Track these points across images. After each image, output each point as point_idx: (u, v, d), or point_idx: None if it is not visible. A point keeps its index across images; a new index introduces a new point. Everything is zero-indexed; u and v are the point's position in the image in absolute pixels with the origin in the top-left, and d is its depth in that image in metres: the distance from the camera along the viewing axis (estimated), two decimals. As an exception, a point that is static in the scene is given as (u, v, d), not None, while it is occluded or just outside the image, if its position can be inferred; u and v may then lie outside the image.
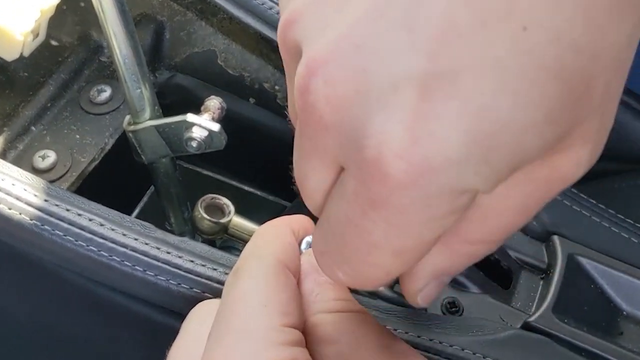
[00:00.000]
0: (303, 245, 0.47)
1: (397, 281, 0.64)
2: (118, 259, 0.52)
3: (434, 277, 0.39)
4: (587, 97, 0.32)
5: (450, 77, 0.30)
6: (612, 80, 0.33)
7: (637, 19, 0.32)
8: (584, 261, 0.56)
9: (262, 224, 0.49)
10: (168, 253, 0.52)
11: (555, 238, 0.56)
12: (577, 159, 0.34)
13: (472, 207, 0.35)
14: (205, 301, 0.48)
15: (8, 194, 0.53)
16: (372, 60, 0.31)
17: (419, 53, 0.30)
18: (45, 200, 0.53)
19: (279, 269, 0.43)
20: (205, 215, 0.62)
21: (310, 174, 0.36)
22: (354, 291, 0.47)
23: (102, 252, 0.52)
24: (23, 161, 0.64)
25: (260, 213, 0.72)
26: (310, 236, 0.47)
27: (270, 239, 0.46)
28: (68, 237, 0.52)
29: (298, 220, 0.48)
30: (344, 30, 0.32)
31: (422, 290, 0.40)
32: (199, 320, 0.46)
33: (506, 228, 0.37)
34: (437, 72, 0.30)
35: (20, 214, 0.52)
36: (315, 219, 0.44)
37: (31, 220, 0.52)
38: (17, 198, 0.53)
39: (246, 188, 0.79)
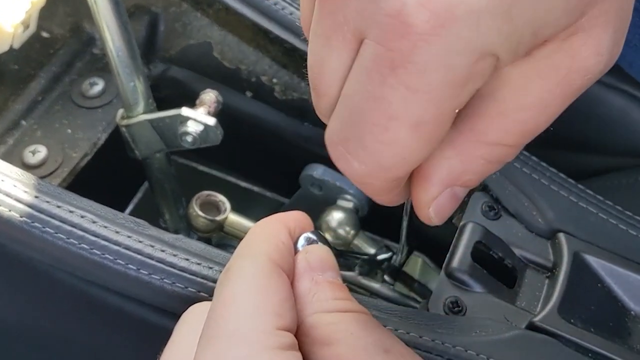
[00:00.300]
0: (300, 243, 0.47)
1: (397, 279, 0.64)
2: (111, 258, 0.51)
3: (448, 182, 0.39)
4: None
5: None
6: None
7: None
8: (590, 259, 0.55)
9: (259, 221, 0.48)
10: (162, 251, 0.52)
11: (561, 235, 0.56)
12: (597, 46, 0.34)
13: (491, 101, 0.36)
14: (199, 303, 0.47)
15: (-3, 190, 0.53)
16: None
17: None
18: (36, 197, 0.53)
19: (271, 269, 0.43)
20: (200, 213, 0.62)
21: (329, 58, 0.36)
22: (353, 291, 0.47)
23: (94, 251, 0.51)
24: (13, 156, 0.64)
25: (258, 210, 0.72)
26: (307, 234, 0.47)
27: (263, 237, 0.45)
28: (59, 234, 0.52)
29: (294, 217, 0.48)
30: None
31: (435, 200, 0.39)
32: (192, 323, 0.45)
33: (524, 128, 0.36)
34: None
35: (9, 210, 0.52)
36: (312, 216, 0.43)
37: (21, 217, 0.52)
38: (7, 194, 0.52)
39: (243, 184, 0.79)
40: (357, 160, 0.37)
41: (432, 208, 0.40)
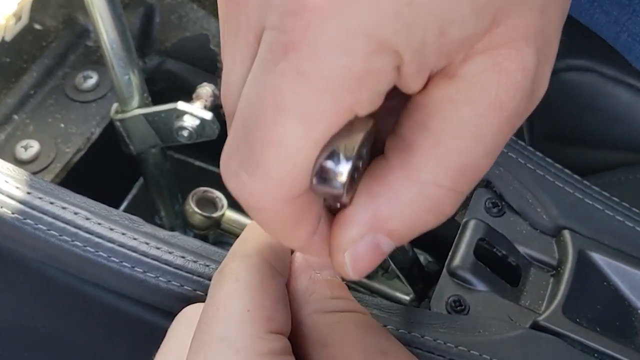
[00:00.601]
0: None
1: (398, 277, 0.64)
2: (105, 255, 0.51)
3: (371, 226, 0.35)
4: None
5: None
6: None
7: None
8: (596, 257, 0.55)
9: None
10: (158, 249, 0.51)
11: (566, 233, 0.55)
12: (523, 60, 0.33)
13: (423, 131, 0.33)
14: (193, 305, 0.47)
15: (-12, 186, 0.52)
16: None
17: None
18: (28, 193, 0.52)
19: (265, 269, 0.42)
20: (196, 209, 0.61)
21: (233, 68, 0.35)
22: (352, 289, 0.47)
23: (87, 248, 0.51)
24: (4, 151, 0.63)
25: None
26: None
27: (257, 236, 0.45)
28: (52, 231, 0.51)
29: None
30: None
31: (354, 245, 0.35)
32: (186, 325, 0.44)
33: (461, 162, 0.34)
34: None
35: (1, 207, 0.52)
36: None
37: (13, 213, 0.51)
38: (-2, 191, 0.52)
39: None
40: (245, 172, 0.33)
41: (348, 254, 0.35)
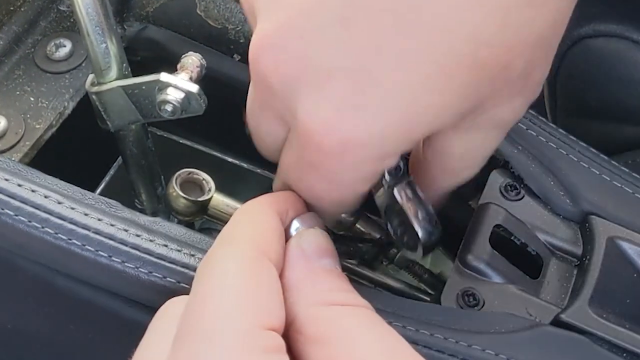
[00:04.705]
0: (293, 227, 0.47)
1: (405, 268, 0.64)
2: (79, 243, 0.51)
3: None
4: (504, 75, 0.43)
5: (376, 69, 0.41)
6: (534, 56, 0.44)
7: (556, 5, 0.42)
8: (625, 246, 0.55)
9: (244, 203, 0.48)
10: (137, 236, 0.51)
11: (593, 219, 0.56)
12: (511, 108, 0.47)
13: (436, 155, 0.50)
14: (176, 298, 0.47)
15: (-52, 166, 0.53)
16: (312, 47, 0.42)
17: (352, 48, 0.41)
18: (-7, 174, 0.53)
19: (256, 258, 0.42)
20: (181, 193, 0.61)
21: (263, 123, 0.48)
22: (354, 281, 0.47)
23: (60, 235, 0.51)
24: (-33, 128, 0.63)
25: (246, 189, 0.72)
26: (302, 217, 0.47)
27: (247, 222, 0.45)
28: (20, 217, 0.52)
29: (285, 198, 0.48)
30: (293, 17, 0.42)
31: None
32: (168, 320, 0.44)
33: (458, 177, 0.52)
34: (364, 64, 0.41)
35: (-38, 190, 0.52)
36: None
37: (-24, 197, 0.52)
38: (-41, 171, 0.52)
39: (229, 159, 0.79)
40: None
41: None
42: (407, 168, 0.53)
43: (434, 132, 0.45)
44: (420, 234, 0.52)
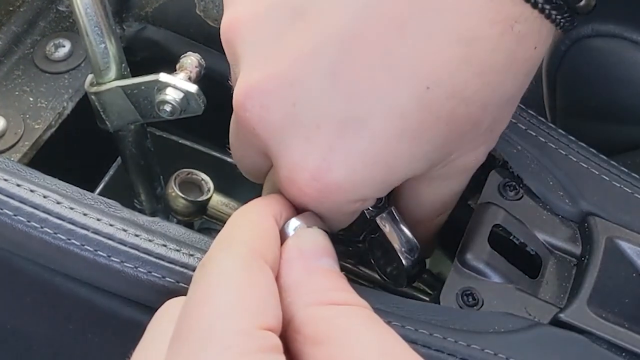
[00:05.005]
0: (290, 227, 0.47)
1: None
2: (77, 243, 0.51)
3: None
4: (473, 130, 0.47)
5: (363, 120, 0.44)
6: (499, 114, 0.49)
7: (529, 70, 0.47)
8: (625, 246, 0.55)
9: (246, 202, 0.48)
10: (136, 236, 0.51)
11: (592, 219, 0.55)
12: (474, 156, 0.51)
13: (409, 203, 0.55)
14: (174, 299, 0.47)
15: (-53, 166, 0.52)
16: (301, 98, 0.44)
17: (339, 98, 0.44)
18: (-8, 174, 0.53)
19: (253, 260, 0.42)
20: (180, 193, 0.62)
21: (247, 156, 0.52)
22: (352, 280, 0.47)
23: (58, 235, 0.51)
24: (-33, 128, 0.63)
25: (245, 189, 0.72)
26: (299, 217, 0.47)
27: (243, 225, 0.45)
28: (19, 217, 0.52)
29: (281, 200, 0.48)
30: (281, 68, 0.45)
31: None
32: (167, 320, 0.44)
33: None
34: (352, 115, 0.44)
35: (-39, 190, 0.52)
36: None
37: (-26, 197, 0.52)
38: (-42, 171, 0.52)
39: (228, 160, 0.78)
40: None
41: None
42: (387, 198, 0.54)
43: (407, 179, 0.48)
44: (404, 262, 0.53)
